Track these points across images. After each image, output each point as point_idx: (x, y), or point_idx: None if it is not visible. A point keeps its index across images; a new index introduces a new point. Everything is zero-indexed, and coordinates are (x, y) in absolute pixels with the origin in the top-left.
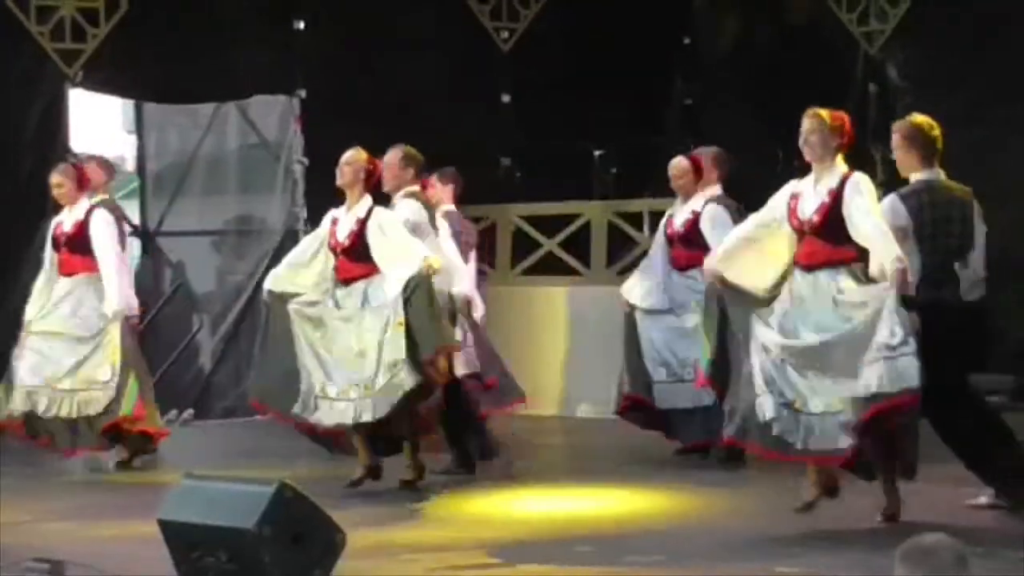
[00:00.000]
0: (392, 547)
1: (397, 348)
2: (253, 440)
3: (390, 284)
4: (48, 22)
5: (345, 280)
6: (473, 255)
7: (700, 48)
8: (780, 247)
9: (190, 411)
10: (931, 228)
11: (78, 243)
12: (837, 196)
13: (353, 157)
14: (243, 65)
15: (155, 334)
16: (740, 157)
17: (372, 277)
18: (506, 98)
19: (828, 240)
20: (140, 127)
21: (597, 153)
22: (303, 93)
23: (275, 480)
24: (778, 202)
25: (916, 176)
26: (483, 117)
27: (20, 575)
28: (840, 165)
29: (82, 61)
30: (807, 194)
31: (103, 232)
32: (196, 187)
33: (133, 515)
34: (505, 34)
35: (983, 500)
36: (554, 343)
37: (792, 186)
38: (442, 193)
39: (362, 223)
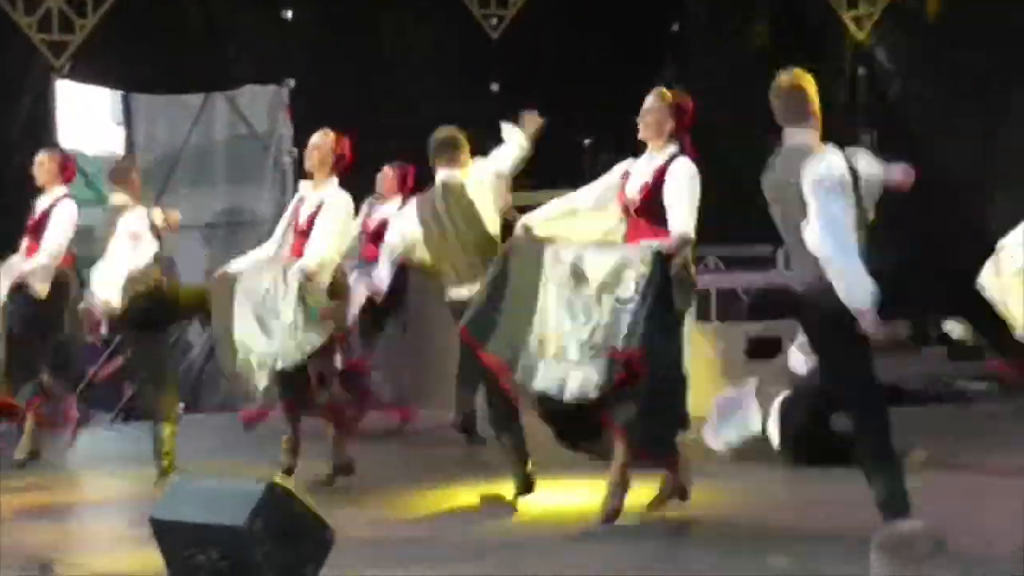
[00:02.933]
0: (384, 543)
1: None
2: (245, 435)
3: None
4: (35, 13)
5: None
6: None
7: (689, 35)
8: (608, 223)
9: (181, 405)
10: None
11: (42, 230)
12: (660, 175)
13: (320, 140)
14: (231, 55)
15: None
16: (729, 144)
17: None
18: (495, 86)
19: (650, 220)
20: (128, 118)
21: (587, 141)
22: (292, 83)
23: (266, 478)
24: (610, 182)
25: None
26: (472, 105)
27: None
28: (671, 147)
29: (70, 52)
30: (637, 172)
31: (58, 219)
32: (185, 179)
33: (123, 513)
34: (494, 21)
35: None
36: None
37: (627, 164)
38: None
39: (321, 204)
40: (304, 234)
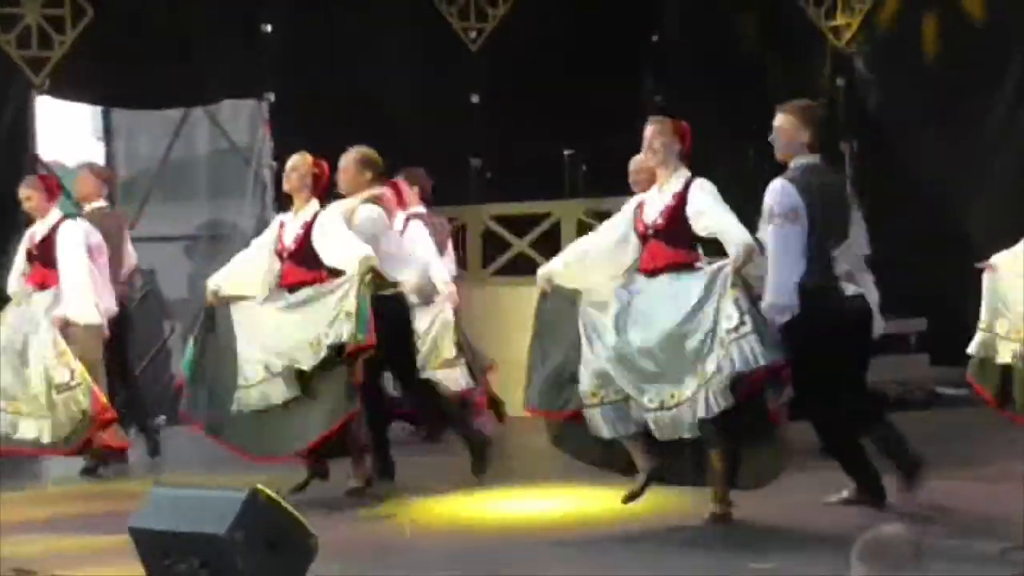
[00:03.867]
0: (369, 550)
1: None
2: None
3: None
4: (13, 30)
5: (290, 285)
6: (450, 247)
7: (669, 46)
8: (625, 259)
9: (162, 417)
10: (821, 210)
11: (48, 256)
12: (682, 198)
13: (298, 162)
14: (211, 69)
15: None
16: (710, 155)
17: (317, 284)
18: (475, 98)
19: (670, 243)
20: (109, 134)
21: (567, 152)
22: (272, 96)
23: (248, 485)
24: (624, 216)
25: (802, 160)
26: (452, 118)
27: None
28: (683, 170)
29: (49, 68)
30: (652, 200)
31: (67, 243)
32: (166, 193)
33: (105, 523)
34: (473, 34)
35: (844, 495)
36: (526, 343)
37: (638, 198)
38: (409, 195)
39: (308, 227)
40: (293, 256)
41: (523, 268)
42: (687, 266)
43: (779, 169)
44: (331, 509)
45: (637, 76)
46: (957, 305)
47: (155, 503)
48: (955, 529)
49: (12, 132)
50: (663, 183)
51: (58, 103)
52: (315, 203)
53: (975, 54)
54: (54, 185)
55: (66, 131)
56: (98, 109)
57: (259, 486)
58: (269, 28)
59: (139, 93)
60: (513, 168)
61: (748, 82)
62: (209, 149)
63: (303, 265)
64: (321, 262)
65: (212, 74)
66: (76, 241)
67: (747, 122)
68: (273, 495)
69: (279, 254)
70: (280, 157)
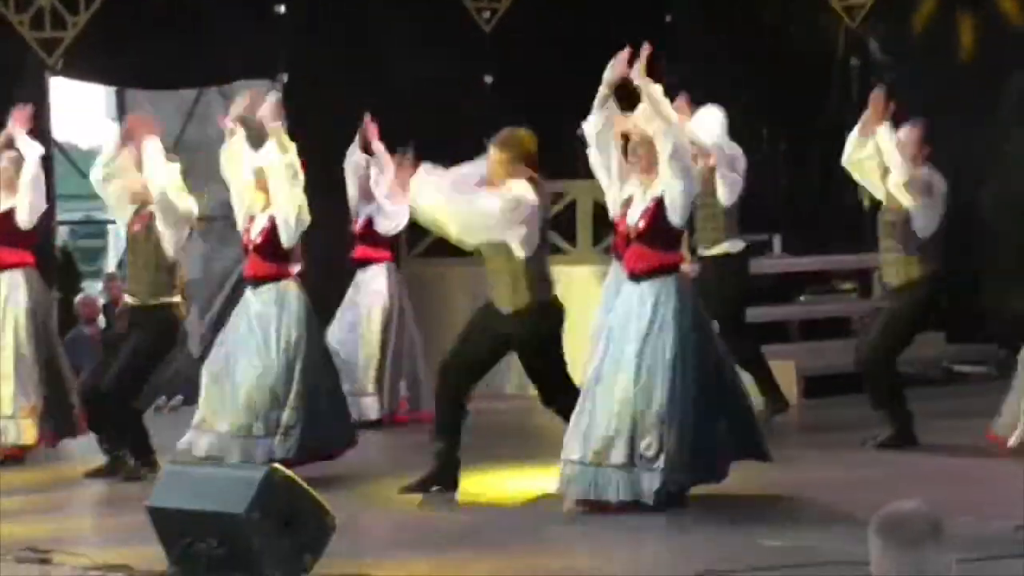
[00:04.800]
0: (380, 530)
1: None
2: None
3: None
4: (27, 11)
5: (255, 279)
6: None
7: (682, 26)
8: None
9: (179, 397)
10: None
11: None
12: (660, 201)
13: None
14: (224, 50)
15: None
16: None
17: (283, 280)
18: (489, 79)
19: (654, 246)
20: (123, 114)
21: (580, 132)
22: (285, 77)
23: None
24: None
25: None
26: (466, 98)
27: (10, 566)
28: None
29: (62, 49)
30: (636, 201)
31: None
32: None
33: (123, 502)
34: (487, 15)
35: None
36: None
37: (628, 192)
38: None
39: (274, 220)
40: (259, 249)
41: None
42: (672, 268)
43: (792, 149)
44: (348, 488)
45: (650, 56)
46: (972, 285)
47: (171, 482)
48: (970, 506)
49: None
50: (647, 187)
51: (72, 84)
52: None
53: (990, 40)
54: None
55: (80, 112)
56: (112, 90)
57: (275, 465)
58: (282, 9)
59: (152, 73)
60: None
61: (762, 63)
62: (223, 129)
63: (267, 259)
64: (286, 255)
65: (226, 55)
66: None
67: (761, 103)
68: (289, 474)
69: (244, 247)
70: (293, 138)
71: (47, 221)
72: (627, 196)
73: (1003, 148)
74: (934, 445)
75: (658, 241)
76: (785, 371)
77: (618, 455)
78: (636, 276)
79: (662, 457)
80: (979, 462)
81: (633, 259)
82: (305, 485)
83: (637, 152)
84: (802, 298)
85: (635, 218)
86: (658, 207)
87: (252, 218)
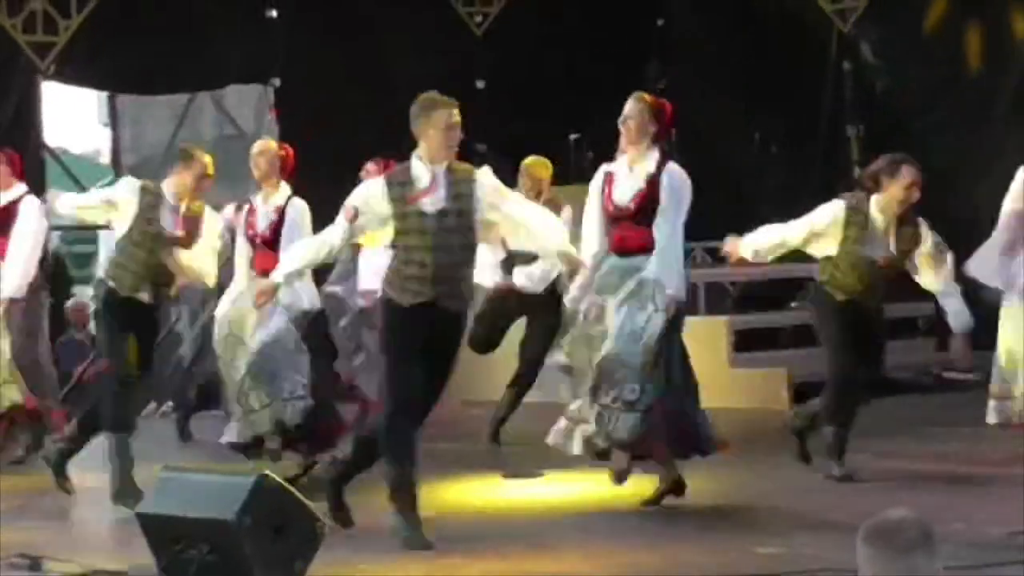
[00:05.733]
0: (373, 533)
1: None
2: None
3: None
4: (19, 14)
5: (264, 272)
6: None
7: (674, 30)
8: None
9: (170, 403)
10: None
11: (3, 227)
12: (655, 184)
13: (264, 147)
14: (217, 55)
15: None
16: (716, 139)
17: None
18: (480, 83)
19: (643, 225)
20: (115, 119)
21: (573, 137)
22: (277, 82)
23: (256, 471)
24: (596, 186)
25: None
26: (457, 103)
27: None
28: (654, 151)
29: (54, 54)
30: (621, 179)
31: (28, 218)
32: None
33: (114, 508)
34: (479, 19)
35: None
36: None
37: (603, 171)
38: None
39: (281, 212)
40: (267, 244)
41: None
42: (653, 246)
43: (784, 153)
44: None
45: (642, 61)
46: (965, 288)
47: (163, 489)
48: (961, 513)
49: (18, 118)
50: (634, 162)
51: (64, 90)
52: (286, 187)
53: (979, 36)
54: (17, 160)
55: (72, 118)
56: (104, 96)
57: (267, 471)
58: (275, 14)
59: (145, 78)
60: (519, 153)
61: (753, 66)
62: (215, 135)
63: (277, 251)
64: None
65: (218, 60)
66: (37, 217)
67: (752, 106)
68: (280, 480)
69: (251, 240)
70: (286, 142)
71: None
72: (606, 172)
73: (997, 153)
74: (925, 452)
75: (644, 220)
76: (776, 377)
77: (605, 399)
78: (625, 252)
79: (643, 399)
80: (969, 468)
81: (622, 237)
82: (296, 492)
83: (627, 123)
84: (793, 304)
85: (625, 198)
86: (651, 188)
87: (252, 210)
